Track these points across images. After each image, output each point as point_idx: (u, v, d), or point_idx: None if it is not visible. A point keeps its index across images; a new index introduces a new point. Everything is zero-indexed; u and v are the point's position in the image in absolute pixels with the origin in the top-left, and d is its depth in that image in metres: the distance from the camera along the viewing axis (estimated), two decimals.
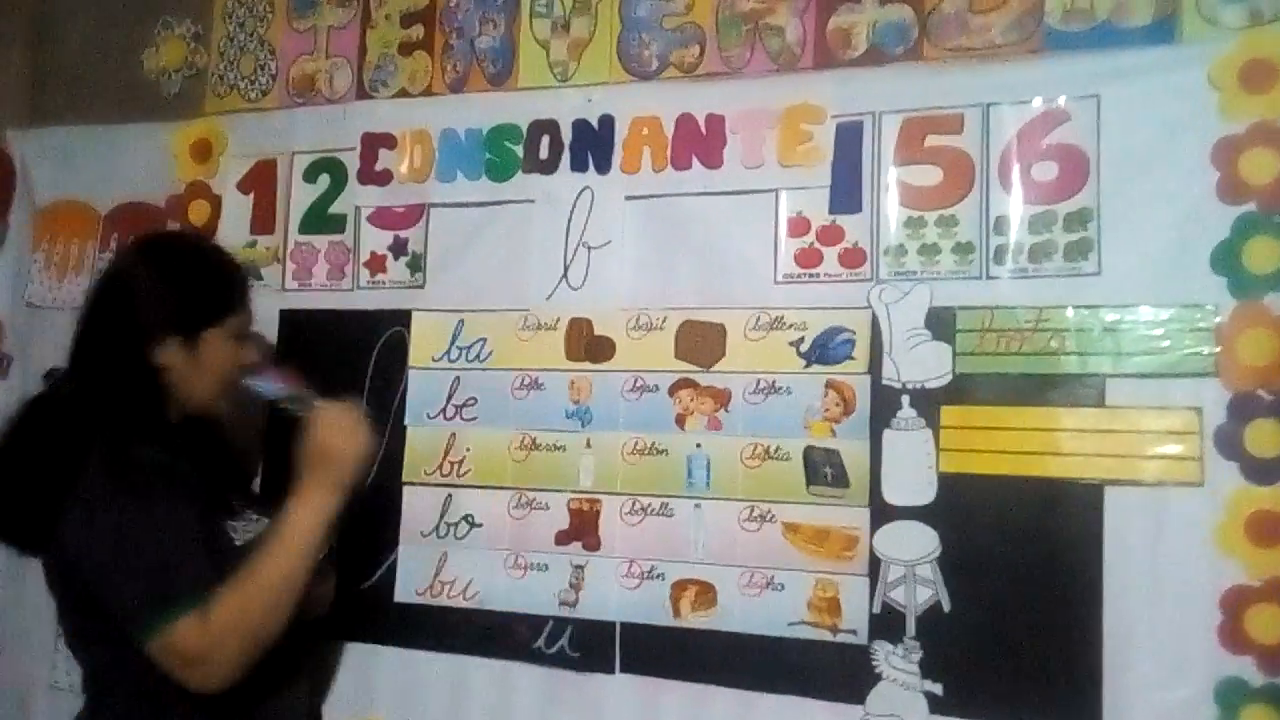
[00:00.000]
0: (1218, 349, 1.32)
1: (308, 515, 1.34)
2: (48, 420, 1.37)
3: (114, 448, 1.32)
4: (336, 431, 1.38)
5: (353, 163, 1.76)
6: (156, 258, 1.44)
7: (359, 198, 1.75)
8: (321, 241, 1.77)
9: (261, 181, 1.83)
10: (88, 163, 1.95)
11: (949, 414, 1.42)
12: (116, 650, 1.30)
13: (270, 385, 1.48)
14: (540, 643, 1.57)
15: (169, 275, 1.40)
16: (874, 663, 1.42)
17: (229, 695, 1.28)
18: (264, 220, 1.82)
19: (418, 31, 1.76)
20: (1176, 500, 1.32)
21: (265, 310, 1.75)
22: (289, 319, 1.78)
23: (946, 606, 1.39)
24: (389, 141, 1.74)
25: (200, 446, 1.43)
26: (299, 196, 1.80)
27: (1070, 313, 1.38)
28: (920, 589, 1.40)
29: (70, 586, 1.34)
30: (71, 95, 2.00)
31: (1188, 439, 1.32)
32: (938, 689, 1.38)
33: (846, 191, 1.49)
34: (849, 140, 1.50)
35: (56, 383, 1.42)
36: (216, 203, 1.85)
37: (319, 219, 1.78)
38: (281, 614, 1.30)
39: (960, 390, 1.41)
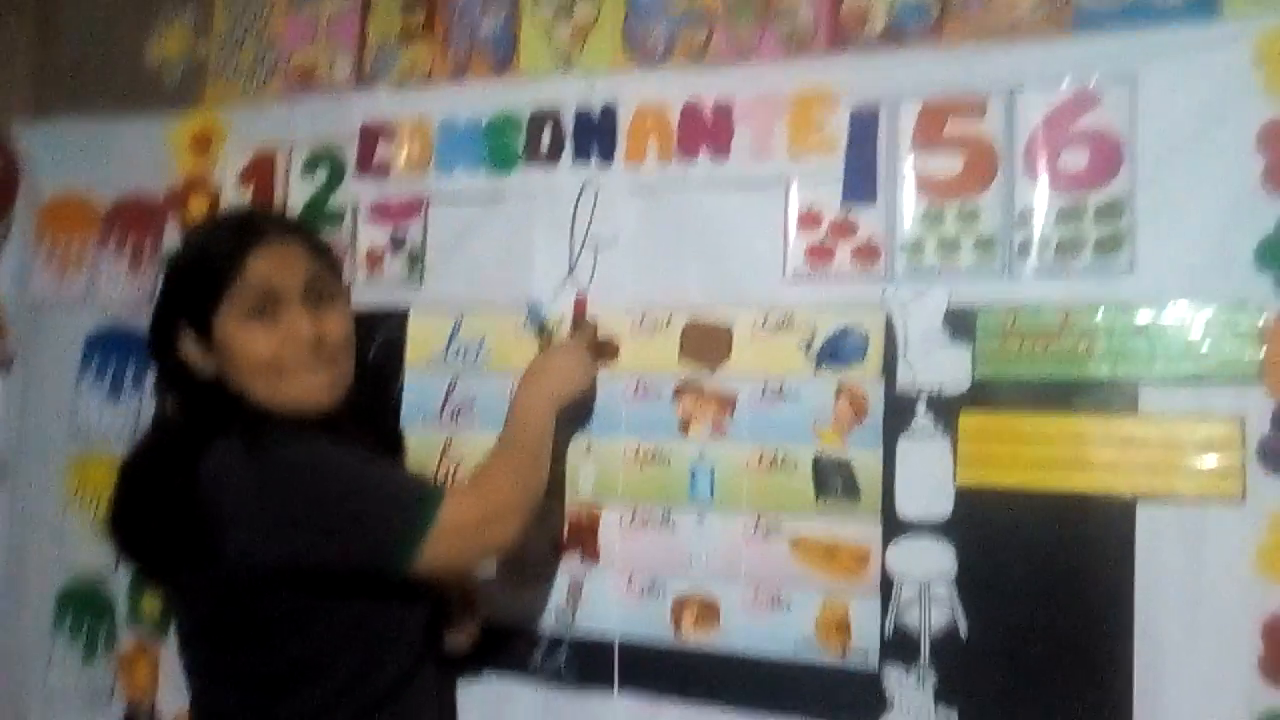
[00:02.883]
0: (1262, 353, 1.20)
1: (530, 414, 1.34)
2: (159, 438, 1.27)
3: (243, 435, 1.16)
4: (566, 356, 1.42)
5: (351, 154, 1.69)
6: (179, 243, 1.36)
7: (357, 191, 1.68)
8: None
9: (260, 174, 1.77)
10: (90, 156, 1.90)
11: (968, 422, 1.31)
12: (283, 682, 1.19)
13: (541, 312, 1.50)
14: (536, 659, 1.49)
15: (175, 259, 1.31)
16: (885, 688, 1.32)
17: None
18: None
19: (419, 18, 1.69)
20: (1215, 518, 1.20)
21: None
22: None
23: (964, 630, 1.29)
24: (388, 132, 1.67)
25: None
26: (298, 190, 1.73)
27: (1101, 313, 1.26)
28: (935, 610, 1.31)
29: (232, 603, 1.16)
30: (75, 88, 1.96)
31: (1228, 451, 1.21)
32: (952, 717, 1.28)
33: (860, 181, 1.39)
34: (863, 128, 1.39)
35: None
36: (216, 197, 1.79)
37: (317, 213, 1.71)
38: (539, 477, 1.30)
39: (981, 396, 1.31)
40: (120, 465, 1.23)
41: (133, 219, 1.86)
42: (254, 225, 1.26)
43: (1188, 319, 1.23)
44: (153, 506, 1.17)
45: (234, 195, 1.78)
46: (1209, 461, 1.21)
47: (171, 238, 1.81)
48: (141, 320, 1.76)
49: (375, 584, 1.18)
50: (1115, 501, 1.24)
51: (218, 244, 1.25)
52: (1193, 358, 1.23)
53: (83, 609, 1.81)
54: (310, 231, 1.36)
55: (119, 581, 1.78)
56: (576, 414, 1.47)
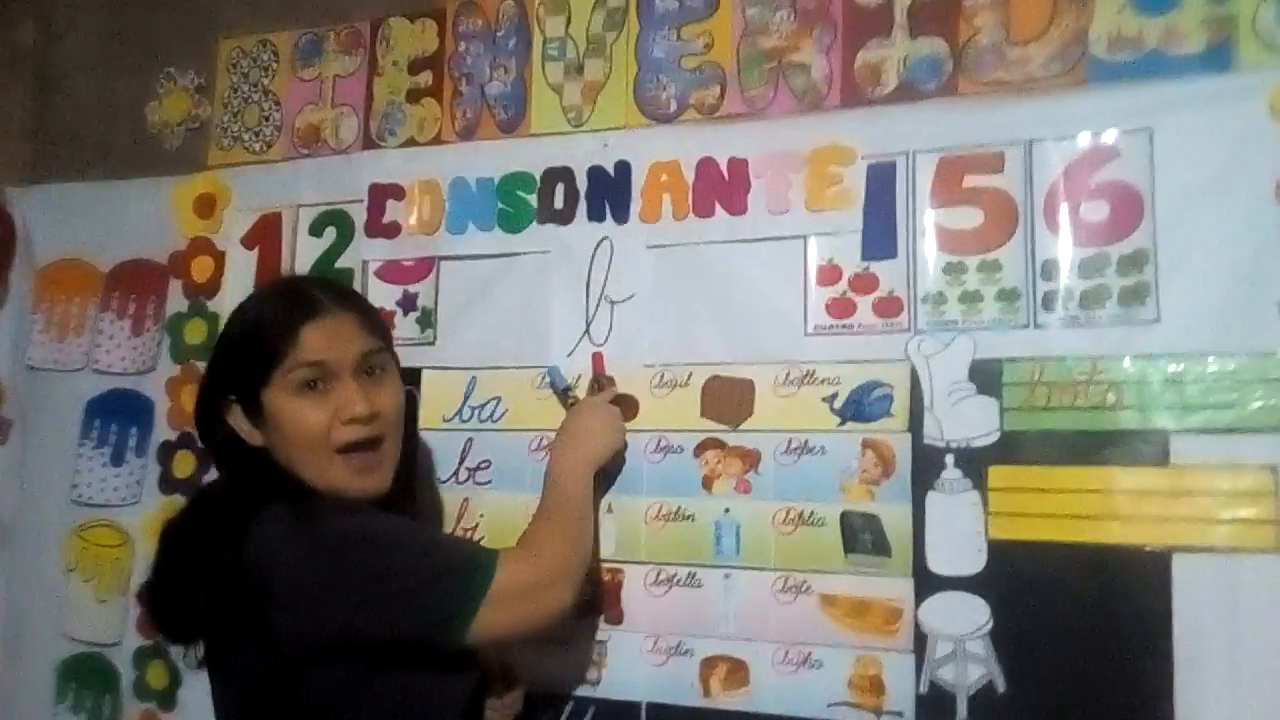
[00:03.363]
0: None
1: (570, 478, 1.34)
2: (203, 508, 1.22)
3: (292, 504, 1.14)
4: (595, 416, 1.42)
5: (359, 215, 1.68)
6: (233, 310, 1.29)
7: (366, 251, 1.67)
8: None
9: (266, 236, 1.75)
10: (89, 220, 1.88)
11: (998, 475, 1.31)
12: None
13: (563, 377, 1.50)
14: None
15: (227, 329, 1.27)
16: None
17: None
18: (269, 276, 1.74)
19: (426, 78, 1.69)
20: (1252, 568, 1.20)
21: None
22: None
23: (1001, 686, 1.28)
24: (397, 192, 1.66)
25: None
26: (305, 251, 1.72)
27: (1128, 363, 1.27)
28: (971, 667, 1.29)
29: (280, 685, 1.12)
30: (73, 151, 1.94)
31: (1263, 500, 1.21)
32: None
33: (880, 236, 1.40)
34: (881, 182, 1.40)
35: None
36: (220, 259, 1.78)
37: (326, 274, 1.69)
38: (587, 540, 1.31)
39: (1009, 449, 1.31)
40: (161, 533, 1.21)
41: (135, 282, 1.84)
42: (307, 297, 1.22)
43: (1215, 369, 1.24)
44: (198, 579, 1.13)
45: (239, 256, 1.77)
46: (1243, 512, 1.21)
47: (175, 300, 1.80)
48: (143, 383, 1.79)
49: (425, 655, 1.14)
50: (1150, 554, 1.24)
51: (270, 315, 1.22)
52: (1222, 407, 1.23)
53: (85, 680, 1.76)
54: (364, 303, 1.34)
55: (124, 652, 1.73)
56: (608, 471, 1.45)
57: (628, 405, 1.48)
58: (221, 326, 1.33)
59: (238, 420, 1.22)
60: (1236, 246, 1.25)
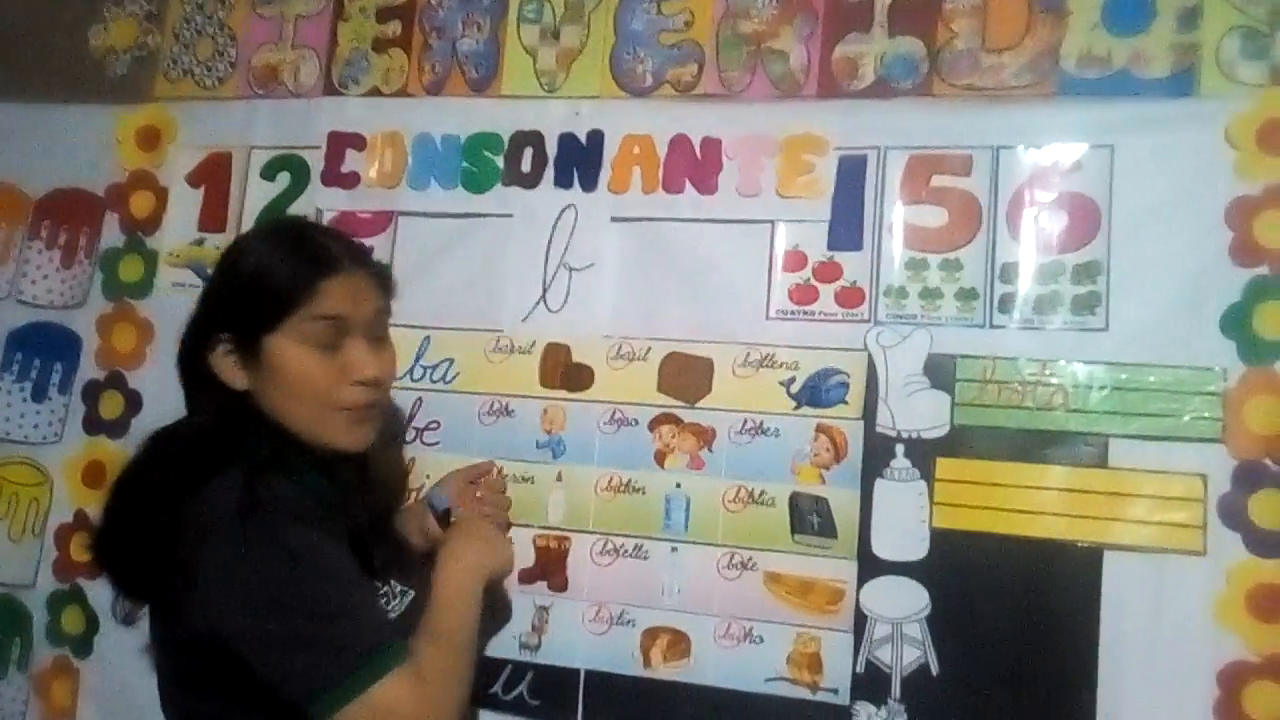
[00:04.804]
0: (1224, 415, 1.28)
1: (458, 579, 1.23)
2: (161, 456, 1.16)
3: (245, 481, 1.08)
4: (480, 531, 1.32)
5: (317, 162, 1.64)
6: (231, 249, 1.24)
7: (322, 200, 1.63)
8: None
9: (213, 175, 1.70)
10: (21, 144, 1.79)
11: (945, 467, 1.36)
12: None
13: (443, 499, 1.40)
14: (497, 688, 1.47)
15: (229, 267, 1.20)
16: None
17: None
18: (214, 217, 1.69)
19: (395, 28, 1.65)
20: (1177, 569, 1.27)
21: None
22: None
23: (935, 668, 1.33)
24: (358, 142, 1.63)
25: (345, 477, 1.22)
26: (255, 194, 1.67)
27: (1075, 368, 1.33)
28: (908, 648, 1.34)
29: (197, 656, 1.09)
30: (7, 71, 1.84)
31: (1190, 506, 1.28)
32: None
33: (847, 227, 1.43)
34: (852, 174, 1.43)
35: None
36: (162, 195, 1.72)
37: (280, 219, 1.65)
38: (471, 676, 1.17)
39: (958, 442, 1.35)
40: (118, 479, 1.17)
41: (67, 212, 1.76)
42: (329, 248, 1.19)
43: (1156, 379, 1.30)
44: (138, 535, 1.10)
45: (183, 194, 1.71)
46: (1172, 515, 1.28)
47: (111, 234, 1.73)
48: (71, 318, 1.72)
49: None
50: (1084, 550, 1.30)
51: (290, 259, 1.17)
52: (1160, 415, 1.30)
53: None
54: (378, 262, 1.32)
55: (37, 595, 1.67)
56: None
57: (571, 371, 1.50)
58: (214, 266, 1.26)
59: (221, 360, 1.17)
60: (1184, 264, 1.31)
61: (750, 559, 1.41)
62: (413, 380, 1.56)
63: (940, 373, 1.37)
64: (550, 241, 1.53)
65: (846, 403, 1.40)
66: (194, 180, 1.71)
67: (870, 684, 1.35)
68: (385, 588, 1.18)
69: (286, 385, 1.16)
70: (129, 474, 1.17)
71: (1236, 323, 1.29)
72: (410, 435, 1.56)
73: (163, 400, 1.35)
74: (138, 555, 1.11)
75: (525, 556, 1.48)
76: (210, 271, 1.26)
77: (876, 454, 1.38)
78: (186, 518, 1.07)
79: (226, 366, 1.17)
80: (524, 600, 1.48)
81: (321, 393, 1.16)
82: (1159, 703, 1.26)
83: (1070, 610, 1.29)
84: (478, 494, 1.45)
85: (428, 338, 1.56)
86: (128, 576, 1.15)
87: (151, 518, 1.09)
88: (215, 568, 1.05)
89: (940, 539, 1.35)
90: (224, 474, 1.09)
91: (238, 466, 1.09)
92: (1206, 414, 1.28)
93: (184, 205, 1.70)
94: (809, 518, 1.40)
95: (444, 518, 1.39)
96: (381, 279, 1.24)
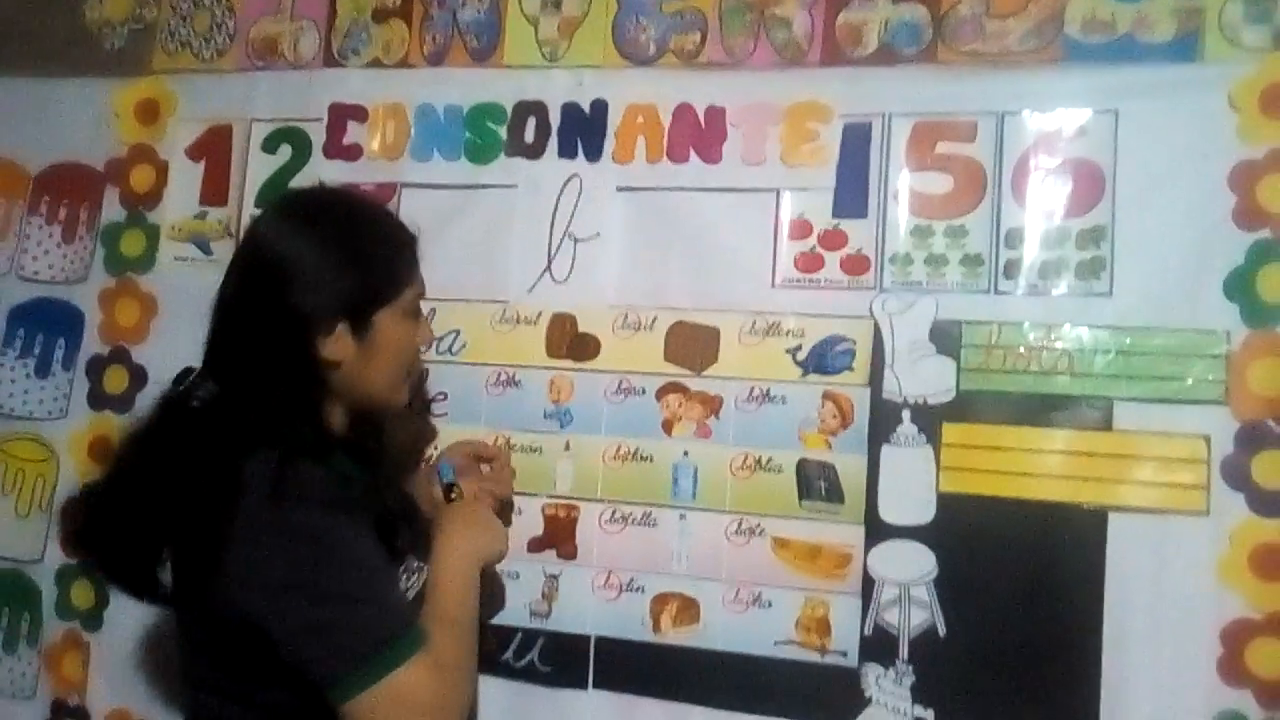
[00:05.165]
0: (1228, 377, 1.29)
1: (455, 563, 1.20)
2: (186, 434, 1.12)
3: (279, 465, 1.07)
4: (475, 517, 1.28)
5: (318, 134, 1.64)
6: (313, 223, 1.19)
7: (324, 172, 1.62)
8: None
9: (214, 149, 1.70)
10: (18, 118, 1.78)
11: (951, 431, 1.37)
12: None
13: (449, 470, 1.37)
14: (508, 655, 1.48)
15: (331, 246, 1.16)
16: (863, 686, 1.37)
17: None
18: (215, 191, 1.69)
19: None
20: (1180, 529, 1.29)
21: (215, 288, 1.64)
22: None
23: (942, 630, 1.35)
24: (359, 114, 1.62)
25: (370, 458, 1.22)
26: (256, 167, 1.67)
27: (1080, 332, 1.34)
28: (915, 611, 1.36)
29: (223, 634, 1.09)
30: (2, 45, 1.82)
31: (1194, 467, 1.29)
32: (929, 715, 1.34)
33: (852, 195, 1.43)
34: (856, 142, 1.44)
35: (192, 386, 1.16)
36: (163, 169, 1.71)
37: (278, 193, 1.65)
38: (475, 663, 1.16)
39: (964, 407, 1.37)
40: (126, 451, 1.16)
41: (67, 186, 1.76)
42: (404, 225, 1.27)
43: (1161, 342, 1.32)
44: (155, 513, 1.09)
45: (183, 168, 1.70)
46: (1177, 477, 1.30)
47: (111, 209, 1.73)
48: (74, 293, 1.72)
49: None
50: (1088, 512, 1.32)
51: (398, 239, 1.24)
52: (1164, 379, 1.31)
53: (3, 598, 1.70)
54: None
55: (45, 570, 1.68)
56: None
57: (577, 341, 1.51)
58: (280, 245, 1.18)
59: (337, 340, 1.15)
60: (1188, 229, 1.32)
61: (758, 525, 1.42)
62: (419, 353, 1.56)
63: (946, 339, 1.38)
64: (555, 212, 1.53)
65: (853, 369, 1.41)
66: (194, 154, 1.71)
67: (878, 646, 1.37)
68: (404, 564, 1.18)
69: (389, 355, 1.20)
70: (149, 447, 1.14)
71: (1240, 286, 1.30)
72: (417, 407, 1.56)
73: (168, 374, 1.35)
74: (152, 533, 1.10)
75: (534, 525, 1.50)
76: (237, 246, 1.24)
77: (883, 420, 1.39)
78: (217, 497, 1.06)
79: (337, 343, 1.15)
80: (533, 568, 1.49)
81: (411, 358, 1.25)
82: (1163, 660, 1.28)
83: (1075, 571, 1.31)
84: (484, 469, 1.45)
85: (433, 309, 1.56)
86: (135, 553, 1.13)
87: (177, 495, 1.08)
88: (243, 551, 1.05)
89: (947, 503, 1.36)
90: (257, 455, 1.08)
91: (271, 448, 1.08)
92: (1210, 376, 1.30)
93: (185, 179, 1.70)
94: (816, 484, 1.41)
95: (448, 490, 1.38)
96: None
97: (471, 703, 1.19)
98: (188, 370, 1.18)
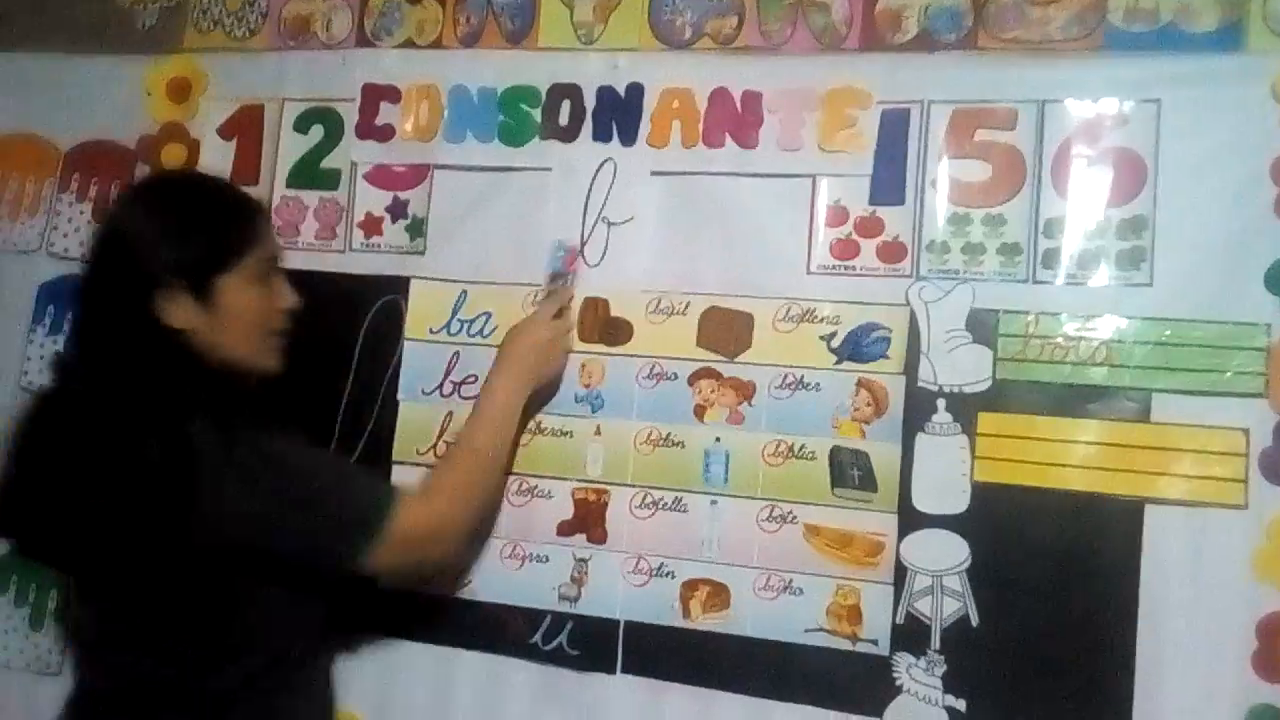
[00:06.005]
0: (1268, 370, 1.28)
1: (502, 398, 1.39)
2: (64, 425, 1.21)
3: (218, 422, 1.17)
4: (538, 334, 1.44)
5: (351, 115, 1.63)
6: (151, 198, 1.30)
7: (356, 153, 1.62)
8: (311, 197, 1.65)
9: (246, 128, 1.69)
10: (49, 95, 1.78)
11: (987, 421, 1.36)
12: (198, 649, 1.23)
13: (562, 262, 1.49)
14: (537, 638, 1.48)
15: (167, 217, 1.25)
16: (894, 675, 1.36)
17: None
18: (247, 170, 1.68)
19: None
20: (1218, 522, 1.28)
21: None
22: None
23: (975, 620, 1.34)
24: (392, 95, 1.62)
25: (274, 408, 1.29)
26: (288, 147, 1.66)
27: (1119, 323, 1.33)
28: (948, 600, 1.35)
29: (186, 573, 1.18)
30: (34, 21, 1.82)
31: (1232, 460, 1.29)
32: (960, 705, 1.34)
33: (889, 182, 1.42)
34: (895, 129, 1.43)
35: (66, 370, 1.29)
36: (194, 147, 1.71)
37: (310, 173, 1.65)
38: (493, 487, 1.41)
39: (1000, 397, 1.36)
40: (25, 433, 1.23)
41: (97, 163, 1.75)
42: (248, 195, 1.37)
43: (1200, 334, 1.31)
44: (109, 478, 1.15)
45: (216, 146, 1.70)
46: (1214, 469, 1.29)
47: None
48: None
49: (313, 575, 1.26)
50: (1125, 503, 1.31)
51: (235, 208, 1.30)
52: (1203, 370, 1.30)
53: (28, 573, 1.70)
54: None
55: None
56: (544, 391, 1.49)
57: (610, 325, 1.51)
58: (122, 217, 1.29)
59: (174, 303, 1.21)
60: (1229, 220, 1.31)
61: (790, 512, 1.42)
62: (450, 334, 1.56)
63: (982, 328, 1.37)
64: (589, 195, 1.53)
65: (888, 357, 1.40)
66: (226, 133, 1.70)
67: (910, 635, 1.36)
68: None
69: (241, 321, 1.26)
70: (54, 429, 1.22)
71: None
72: (448, 389, 1.56)
73: None
74: (109, 495, 1.15)
75: (564, 509, 1.50)
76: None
77: (918, 408, 1.38)
78: (167, 464, 1.13)
79: (179, 309, 1.22)
80: (563, 552, 1.49)
81: (264, 322, 1.29)
82: (1197, 654, 1.27)
83: (1111, 563, 1.31)
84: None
85: (464, 292, 1.56)
86: (78, 519, 1.18)
87: (123, 461, 1.14)
88: (218, 485, 1.14)
89: (981, 492, 1.35)
90: (194, 421, 1.15)
91: (199, 414, 1.16)
92: (1250, 369, 1.29)
93: (216, 158, 1.69)
94: (850, 471, 1.40)
95: (554, 278, 1.50)
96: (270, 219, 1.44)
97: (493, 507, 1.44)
98: (58, 354, 1.29)
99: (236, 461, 1.15)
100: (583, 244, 1.53)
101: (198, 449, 1.13)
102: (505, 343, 1.44)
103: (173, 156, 1.71)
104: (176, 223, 1.24)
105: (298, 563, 1.22)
